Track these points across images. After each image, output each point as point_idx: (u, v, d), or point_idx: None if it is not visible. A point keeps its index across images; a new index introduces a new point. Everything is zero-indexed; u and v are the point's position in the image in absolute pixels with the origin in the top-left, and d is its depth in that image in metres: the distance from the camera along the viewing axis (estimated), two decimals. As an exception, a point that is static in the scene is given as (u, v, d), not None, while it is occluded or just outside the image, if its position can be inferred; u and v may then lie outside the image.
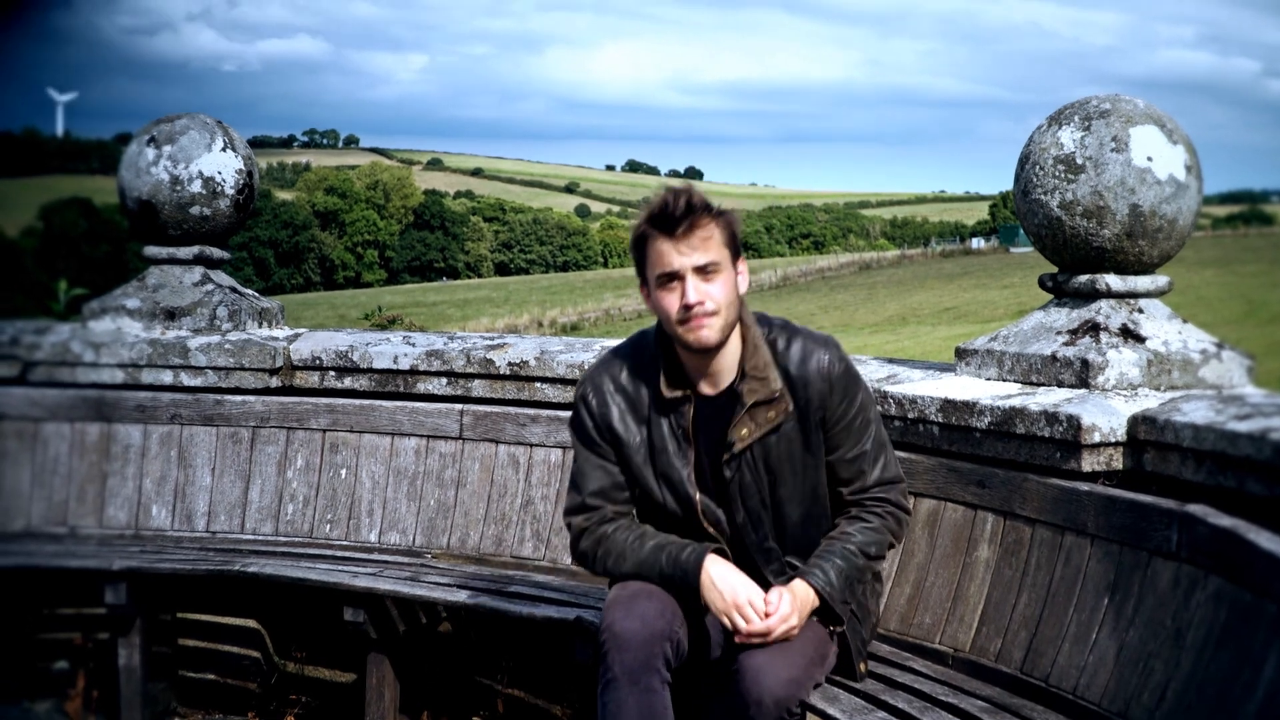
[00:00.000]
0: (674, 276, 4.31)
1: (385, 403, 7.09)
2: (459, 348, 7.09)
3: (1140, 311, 5.42)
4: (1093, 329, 5.36)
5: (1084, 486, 4.89)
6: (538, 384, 6.88)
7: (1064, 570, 4.87)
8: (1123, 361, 5.19)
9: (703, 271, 4.29)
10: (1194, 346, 5.33)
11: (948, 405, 5.41)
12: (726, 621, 4.36)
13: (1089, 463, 4.92)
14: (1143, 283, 5.45)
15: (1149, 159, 5.27)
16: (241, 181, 7.67)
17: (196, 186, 7.51)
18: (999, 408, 5.20)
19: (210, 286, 7.68)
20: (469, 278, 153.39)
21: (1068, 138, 5.37)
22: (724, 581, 4.37)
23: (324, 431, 7.13)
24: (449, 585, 6.22)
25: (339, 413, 7.12)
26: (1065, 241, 5.42)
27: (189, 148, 7.54)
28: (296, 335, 7.56)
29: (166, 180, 7.48)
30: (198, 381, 7.34)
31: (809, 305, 78.25)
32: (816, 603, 4.46)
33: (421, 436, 7.00)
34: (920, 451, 5.57)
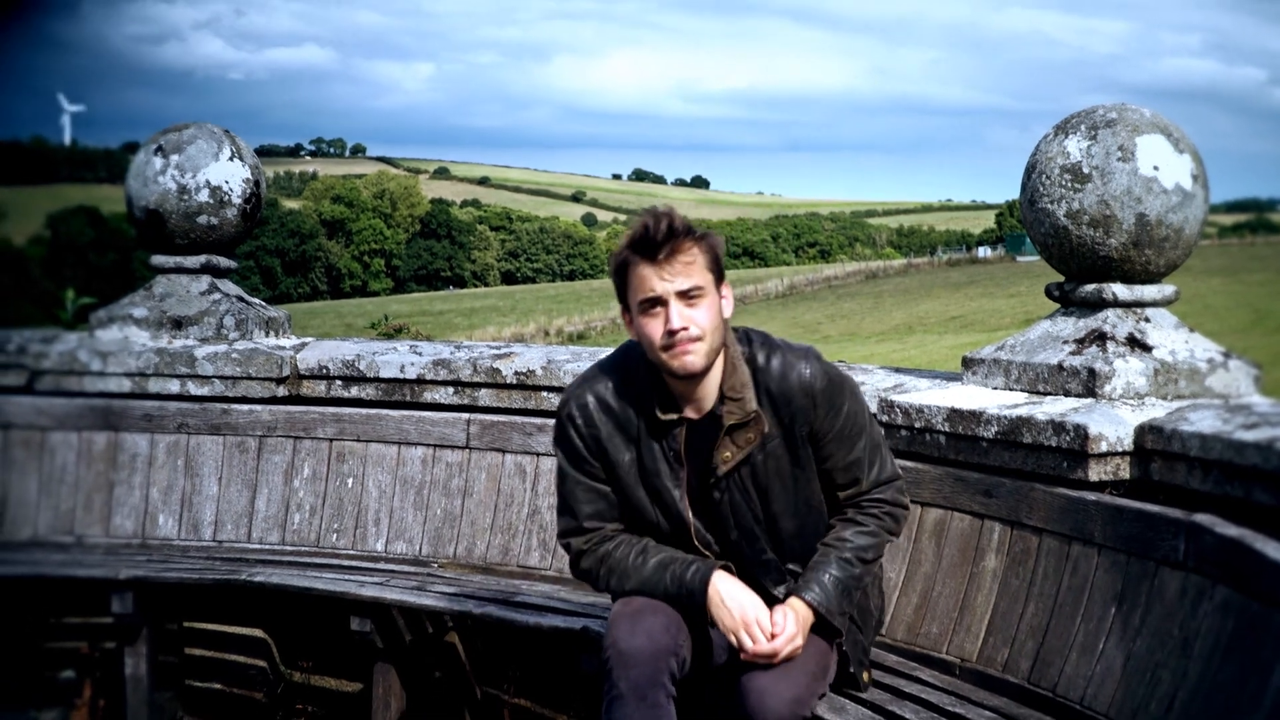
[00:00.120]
0: (657, 302, 4.24)
1: (392, 412, 7.09)
2: (465, 357, 7.08)
3: (1147, 321, 5.42)
4: (1099, 338, 5.36)
5: (1091, 496, 4.88)
6: (544, 393, 6.88)
7: (1071, 580, 4.86)
8: (1129, 371, 5.19)
9: (686, 296, 4.22)
10: (1201, 356, 5.32)
11: (954, 415, 5.41)
12: (734, 640, 4.34)
13: (1096, 472, 4.92)
14: (1149, 292, 5.44)
15: (1155, 168, 5.27)
16: (248, 190, 7.67)
17: (204, 196, 7.51)
18: (1006, 417, 5.19)
19: (217, 295, 7.68)
20: (475, 286, 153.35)
21: (1074, 147, 5.36)
22: (732, 600, 4.34)
23: (331, 441, 7.13)
24: (455, 595, 6.22)
25: (346, 422, 7.12)
26: (1072, 250, 5.41)
27: (196, 157, 7.54)
28: (303, 344, 7.56)
29: (174, 189, 7.48)
30: (204, 390, 7.34)
31: (815, 314, 78.24)
32: (813, 618, 4.44)
33: (428, 446, 7.00)
34: (927, 461, 5.56)
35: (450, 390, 7.09)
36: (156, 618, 6.83)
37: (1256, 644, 3.86)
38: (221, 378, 7.33)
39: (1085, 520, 4.86)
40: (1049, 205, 5.40)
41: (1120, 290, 5.41)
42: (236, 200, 7.61)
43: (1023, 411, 5.16)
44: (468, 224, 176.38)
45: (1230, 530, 4.23)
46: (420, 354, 7.22)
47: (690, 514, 4.46)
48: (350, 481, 7.08)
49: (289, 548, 7.05)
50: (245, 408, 7.24)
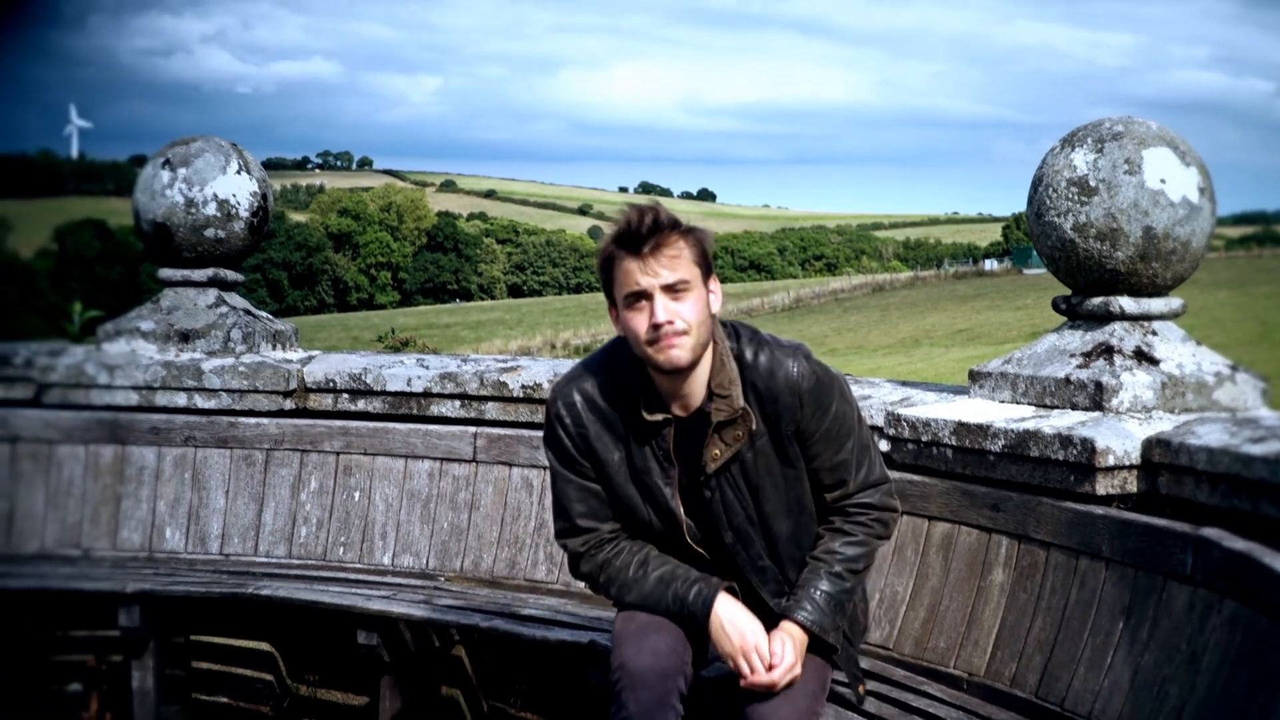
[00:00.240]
0: (641, 296, 4.18)
1: (399, 425, 7.10)
2: (472, 370, 7.08)
3: (1154, 334, 5.41)
4: (1106, 351, 5.35)
5: (1099, 510, 4.88)
6: (551, 407, 6.87)
7: (1079, 594, 4.86)
8: (1137, 384, 5.19)
9: (671, 290, 4.16)
10: (1208, 369, 5.32)
11: (961, 428, 5.40)
12: (733, 665, 4.32)
13: (1103, 486, 4.92)
14: (1156, 305, 5.44)
15: (1162, 181, 5.27)
16: (256, 204, 7.68)
17: (211, 209, 7.52)
18: (1013, 431, 5.19)
19: (224, 309, 7.69)
20: (482, 299, 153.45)
21: (1081, 160, 5.37)
22: (733, 626, 4.30)
23: (337, 454, 7.13)
24: (462, 608, 6.22)
25: (352, 435, 7.12)
26: (1079, 264, 5.41)
27: (204, 170, 7.55)
28: (310, 357, 7.56)
29: (181, 203, 7.49)
30: (212, 404, 7.35)
31: (822, 327, 78.22)
32: (807, 639, 4.39)
33: (435, 459, 7.00)
34: (934, 475, 5.56)
35: (457, 404, 7.09)
36: (163, 631, 6.83)
37: (1265, 658, 3.85)
38: (229, 391, 7.34)
39: (1093, 534, 4.85)
40: (1056, 218, 5.40)
41: (1127, 303, 5.41)
42: (244, 213, 7.62)
43: (1030, 425, 5.16)
44: (474, 237, 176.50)
45: (1238, 544, 4.23)
46: (427, 367, 7.22)
47: (682, 512, 4.42)
48: (357, 495, 7.08)
49: (296, 561, 7.05)
50: (252, 421, 7.25)
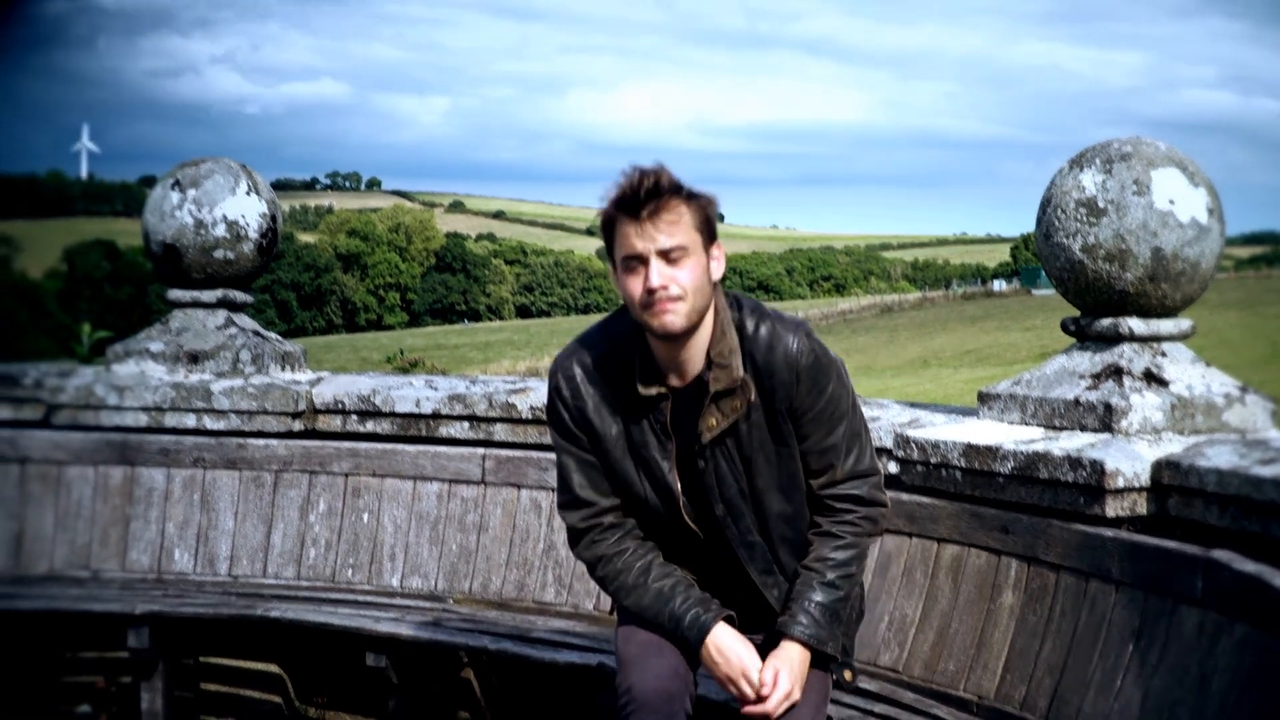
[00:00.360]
0: (638, 260, 4.13)
1: (407, 447, 7.10)
2: (481, 392, 7.09)
3: (1163, 355, 5.41)
4: (1116, 373, 5.35)
5: (1108, 532, 4.87)
6: (560, 428, 6.87)
7: (1089, 617, 4.85)
8: (1146, 406, 5.18)
9: (667, 255, 4.11)
10: (1217, 390, 5.31)
11: (970, 450, 5.39)
12: (731, 690, 4.29)
13: (1113, 508, 4.91)
14: (1166, 326, 5.44)
15: (1171, 202, 5.26)
16: (265, 225, 7.70)
17: (220, 230, 7.53)
18: (1022, 452, 5.18)
19: (233, 330, 7.70)
20: (490, 320, 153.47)
21: (1089, 181, 5.36)
22: (729, 652, 4.27)
23: (346, 475, 7.13)
24: (471, 630, 6.21)
25: (361, 457, 7.12)
26: (1088, 285, 5.41)
27: (213, 192, 7.57)
28: (319, 379, 7.57)
29: (191, 224, 7.51)
30: (221, 425, 7.35)
31: (831, 348, 78.09)
32: (808, 655, 4.33)
33: (444, 481, 7.00)
34: (943, 497, 5.55)
35: (466, 425, 7.09)
36: (172, 653, 6.84)
37: (1275, 681, 3.85)
38: (238, 412, 7.34)
39: (1103, 556, 4.84)
40: (1064, 239, 5.39)
41: (1136, 325, 5.40)
42: (253, 235, 7.64)
43: (1039, 447, 5.16)
44: (483, 258, 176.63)
45: (1248, 566, 4.22)
46: (436, 389, 7.22)
47: (679, 486, 4.36)
48: (366, 516, 7.08)
49: (305, 583, 7.05)
50: (261, 442, 7.25)
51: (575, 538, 4.54)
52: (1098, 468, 4.90)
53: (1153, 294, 5.34)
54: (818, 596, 4.34)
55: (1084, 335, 5.59)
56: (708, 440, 4.31)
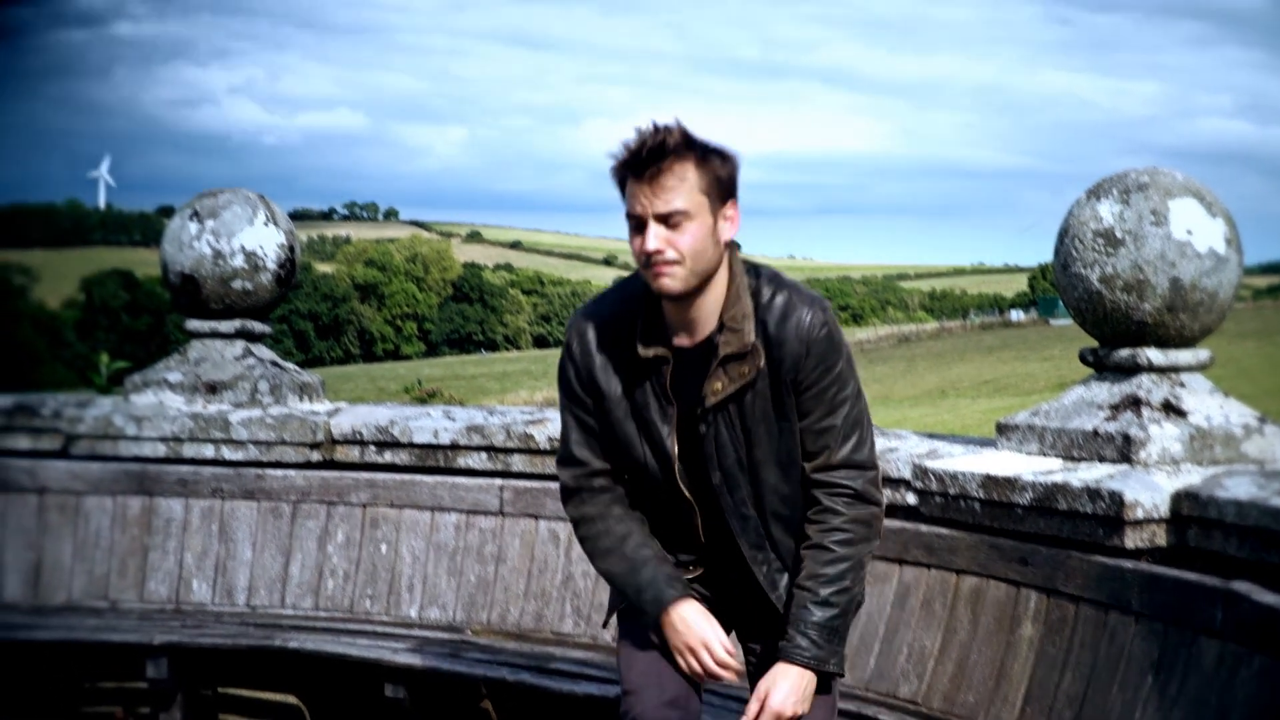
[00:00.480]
0: (640, 220, 4.07)
1: (425, 478, 7.10)
2: (499, 423, 7.09)
3: (1182, 386, 5.40)
4: (1134, 404, 5.34)
5: (1128, 564, 4.86)
6: (578, 459, 6.87)
7: (1108, 648, 4.84)
8: (1165, 437, 5.17)
9: (666, 220, 4.04)
10: (1236, 421, 5.31)
11: (989, 481, 5.38)
12: (681, 662, 4.24)
13: (1132, 539, 4.90)
14: (1184, 357, 5.43)
15: (1189, 232, 5.26)
16: (283, 256, 7.72)
17: (239, 261, 7.56)
18: (1041, 484, 5.17)
19: (251, 360, 7.71)
20: (507, 350, 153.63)
21: (1107, 211, 5.36)
22: (691, 621, 4.22)
23: (364, 506, 7.13)
24: (489, 662, 6.21)
25: (379, 487, 7.13)
26: (1106, 315, 5.40)
27: (231, 222, 7.59)
28: (337, 409, 7.58)
29: (209, 255, 7.53)
30: (239, 455, 7.36)
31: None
32: (812, 676, 4.22)
33: (462, 512, 7.00)
34: (962, 528, 5.54)
35: (484, 456, 7.09)
36: (191, 683, 6.84)
37: (1296, 713, 3.83)
38: (256, 443, 7.35)
39: (1122, 588, 4.83)
40: (1082, 270, 5.39)
41: (1155, 355, 5.40)
42: (271, 265, 7.66)
43: (1058, 478, 5.15)
44: (500, 288, 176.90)
45: (1267, 597, 4.21)
46: (453, 419, 7.23)
47: (675, 450, 4.27)
48: (384, 547, 7.08)
49: (323, 613, 7.05)
50: (280, 473, 7.26)
51: (566, 496, 4.46)
52: (1117, 499, 4.90)
53: (1171, 324, 5.34)
54: (814, 616, 4.22)
55: (1102, 366, 5.58)
56: (711, 404, 4.21)
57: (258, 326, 7.81)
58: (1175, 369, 5.43)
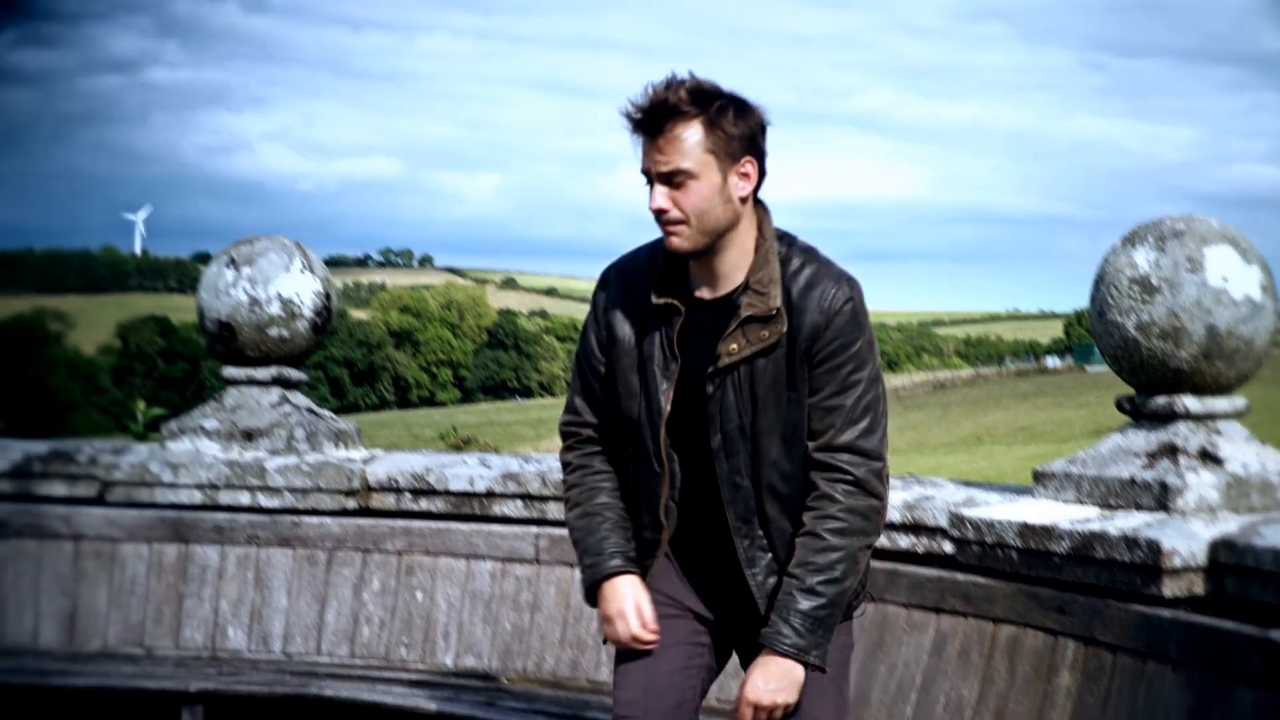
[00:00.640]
0: (647, 176, 4.05)
1: (461, 525, 7.10)
2: (535, 470, 7.09)
3: (1218, 433, 5.39)
4: (1171, 452, 5.33)
5: (1165, 613, 4.84)
6: (613, 506, 6.87)
7: (1146, 698, 4.81)
8: (1202, 484, 5.15)
9: (669, 179, 4.00)
10: (1273, 468, 5.29)
11: (1026, 530, 5.36)
12: (608, 631, 4.24)
13: (1170, 588, 4.87)
14: (1220, 404, 5.42)
15: (1224, 279, 5.26)
16: (319, 303, 7.74)
17: (275, 308, 7.58)
18: (1078, 532, 5.16)
19: (288, 408, 7.73)
20: (542, 397, 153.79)
21: (1142, 258, 5.36)
22: (625, 593, 4.22)
23: (400, 554, 7.14)
24: (524, 710, 6.21)
25: (415, 535, 7.13)
26: (1142, 363, 5.39)
27: (268, 270, 7.62)
28: (372, 457, 7.59)
29: (245, 302, 7.56)
30: (275, 503, 7.37)
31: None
32: (796, 665, 4.11)
33: (497, 559, 7.00)
34: (999, 577, 5.51)
35: (519, 503, 7.09)
36: (225, 731, 6.84)
37: (1336, 764, 3.81)
38: (292, 490, 7.36)
39: (1160, 637, 4.81)
40: (1118, 317, 5.39)
41: (1191, 403, 5.38)
42: (307, 313, 7.68)
43: (1095, 527, 5.13)
44: (535, 334, 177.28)
45: (1307, 647, 4.19)
46: (489, 467, 7.23)
47: (668, 407, 4.19)
48: (419, 595, 7.08)
49: (358, 661, 7.05)
50: (315, 520, 7.27)
51: (562, 439, 4.47)
52: (1154, 548, 4.88)
53: (1207, 372, 5.33)
54: (799, 605, 4.11)
55: (1139, 413, 5.57)
56: (724, 364, 4.12)
57: (294, 374, 7.84)
58: (1212, 416, 5.42)
